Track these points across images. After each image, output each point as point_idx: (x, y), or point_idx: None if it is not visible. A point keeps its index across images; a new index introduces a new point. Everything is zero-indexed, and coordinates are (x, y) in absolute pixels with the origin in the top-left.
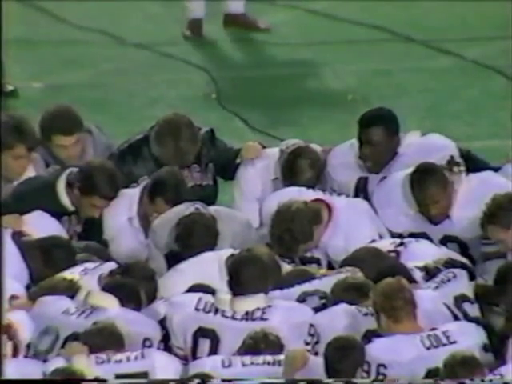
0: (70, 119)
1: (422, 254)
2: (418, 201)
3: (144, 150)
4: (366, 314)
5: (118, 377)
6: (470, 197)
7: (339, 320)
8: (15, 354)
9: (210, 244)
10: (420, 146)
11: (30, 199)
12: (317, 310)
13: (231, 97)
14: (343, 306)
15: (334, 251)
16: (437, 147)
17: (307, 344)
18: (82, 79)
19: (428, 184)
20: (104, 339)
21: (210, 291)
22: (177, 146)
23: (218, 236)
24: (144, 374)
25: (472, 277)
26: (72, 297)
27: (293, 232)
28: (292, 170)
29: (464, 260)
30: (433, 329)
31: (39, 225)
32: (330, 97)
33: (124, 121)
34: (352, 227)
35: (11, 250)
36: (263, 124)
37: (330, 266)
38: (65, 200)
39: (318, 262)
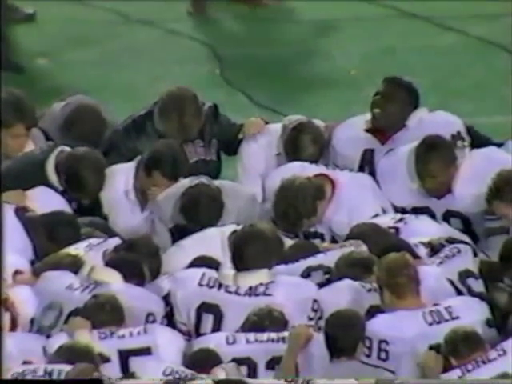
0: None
1: (422, 231)
2: (418, 172)
3: (148, 126)
4: (369, 290)
5: (120, 352)
6: (474, 172)
7: (343, 295)
8: (13, 327)
9: (215, 215)
10: (428, 121)
11: (21, 177)
12: (321, 285)
13: (235, 73)
14: (347, 282)
15: (338, 226)
16: (444, 123)
17: (311, 319)
18: (87, 56)
19: (430, 157)
20: (105, 314)
21: (214, 263)
22: (181, 120)
23: (223, 208)
24: (147, 350)
25: (474, 254)
26: (76, 272)
27: (296, 207)
28: (295, 145)
29: (465, 238)
30: (435, 304)
31: (43, 200)
32: (334, 74)
33: (129, 98)
34: (355, 202)
35: (15, 226)
36: (267, 101)
37: (334, 241)
38: (53, 178)
39: (321, 237)
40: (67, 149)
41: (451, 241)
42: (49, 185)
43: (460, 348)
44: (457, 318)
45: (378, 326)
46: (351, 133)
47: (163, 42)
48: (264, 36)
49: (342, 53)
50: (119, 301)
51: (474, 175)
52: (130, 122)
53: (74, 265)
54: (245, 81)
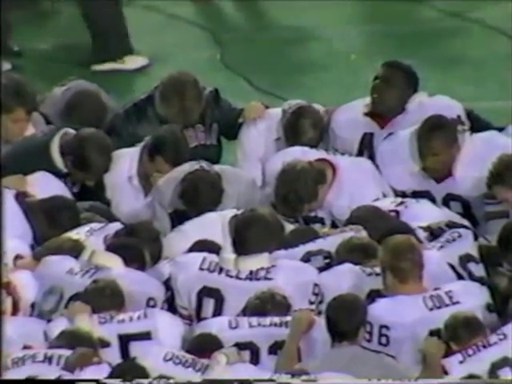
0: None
1: (422, 215)
2: (420, 151)
3: (149, 110)
4: (370, 274)
5: (121, 337)
6: (474, 156)
7: (343, 279)
8: (15, 311)
9: (215, 201)
10: (427, 105)
11: (24, 160)
12: (321, 269)
13: (236, 58)
14: (348, 266)
15: (339, 211)
16: (444, 107)
17: (311, 303)
18: (88, 40)
19: (433, 136)
20: (105, 299)
21: (214, 248)
22: (181, 104)
23: (223, 193)
24: (147, 334)
25: (474, 239)
26: (77, 257)
27: (298, 192)
28: (294, 129)
29: (465, 222)
30: (436, 289)
31: (43, 185)
32: (334, 59)
33: (130, 82)
34: (356, 186)
35: (15, 211)
36: (267, 85)
37: (334, 226)
38: (58, 161)
39: (321, 221)
40: (71, 131)
41: (451, 225)
42: (53, 167)
43: (460, 333)
44: (457, 302)
45: (379, 311)
46: (350, 116)
47: (165, 25)
48: (264, 21)
49: (341, 37)
50: (119, 285)
51: (474, 159)
52: (131, 106)
53: (75, 249)
54: (245, 65)
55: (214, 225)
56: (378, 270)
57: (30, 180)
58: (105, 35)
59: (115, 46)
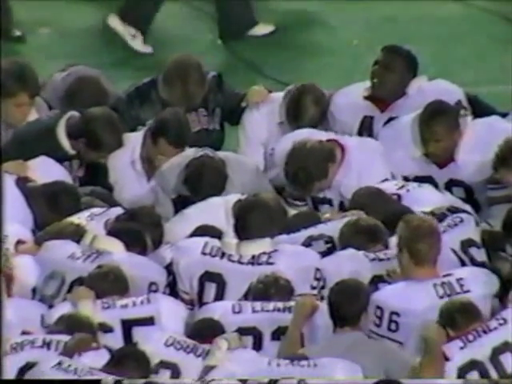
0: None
1: (424, 199)
2: (422, 136)
3: (152, 94)
4: (373, 260)
5: (123, 322)
6: (476, 141)
7: (346, 265)
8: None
9: (219, 187)
10: (428, 90)
11: (30, 144)
12: (323, 254)
13: (237, 43)
14: (350, 251)
15: (347, 190)
16: (444, 92)
17: (313, 288)
18: (88, 24)
19: (435, 121)
20: (109, 284)
21: (216, 233)
22: (184, 88)
23: (227, 180)
24: (150, 319)
25: (476, 224)
26: (78, 241)
27: (308, 169)
28: (297, 106)
29: (467, 207)
30: (447, 275)
31: (44, 170)
32: (336, 44)
33: (130, 65)
34: (365, 166)
35: (16, 196)
36: (269, 70)
37: (342, 208)
38: (65, 143)
39: (330, 202)
40: (76, 114)
41: (453, 210)
42: (59, 150)
43: (457, 319)
44: (468, 291)
45: (391, 298)
46: (350, 99)
47: (166, 10)
48: (267, 5)
49: (343, 22)
50: (123, 271)
51: (477, 144)
52: (134, 89)
53: (76, 234)
54: (246, 50)
55: (217, 209)
56: (381, 255)
57: (31, 165)
58: (231, 8)
59: (241, 18)
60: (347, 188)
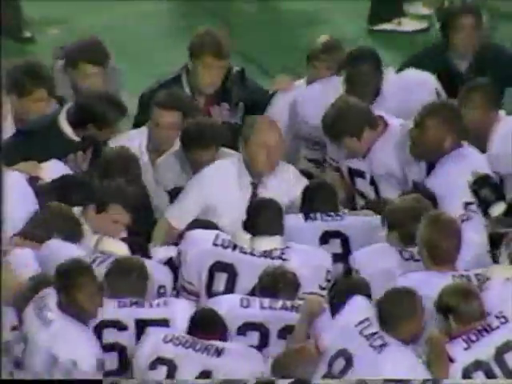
0: (100, 50)
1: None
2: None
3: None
4: (407, 259)
5: (138, 322)
6: (507, 133)
7: (379, 260)
8: None
9: None
10: (399, 82)
11: (35, 136)
12: (336, 256)
13: (245, 42)
14: (386, 246)
15: (378, 164)
16: (417, 82)
17: (323, 289)
18: (98, 23)
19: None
20: (129, 283)
21: (211, 226)
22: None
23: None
24: (164, 321)
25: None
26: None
27: (345, 121)
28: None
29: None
30: (466, 270)
31: (54, 173)
32: (342, 42)
33: (141, 64)
34: (403, 151)
35: (27, 193)
36: (276, 69)
37: (372, 182)
38: (68, 130)
39: (362, 175)
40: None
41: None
42: (63, 137)
43: (454, 300)
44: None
45: (411, 284)
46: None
47: (173, 10)
48: (273, 4)
49: (347, 21)
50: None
51: (508, 136)
52: (157, 86)
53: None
54: (254, 49)
55: (230, 168)
56: (418, 256)
57: (43, 167)
58: None
59: (391, 8)
60: (378, 162)
